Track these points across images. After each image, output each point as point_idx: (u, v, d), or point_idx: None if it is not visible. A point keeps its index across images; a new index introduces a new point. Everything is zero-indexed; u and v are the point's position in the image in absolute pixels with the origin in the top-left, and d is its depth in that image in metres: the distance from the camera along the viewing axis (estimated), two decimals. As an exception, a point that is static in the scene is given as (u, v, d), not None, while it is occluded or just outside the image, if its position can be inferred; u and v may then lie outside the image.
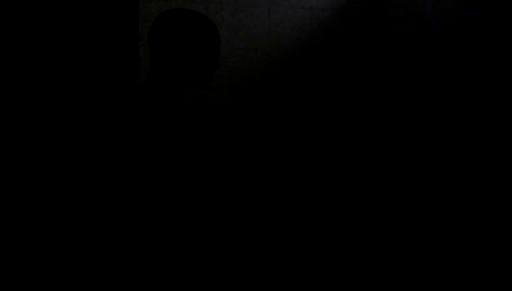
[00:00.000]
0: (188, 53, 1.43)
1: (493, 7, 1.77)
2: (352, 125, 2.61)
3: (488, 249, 1.77)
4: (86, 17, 2.31)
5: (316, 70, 2.56)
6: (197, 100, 2.45)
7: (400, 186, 2.38)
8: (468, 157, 1.90)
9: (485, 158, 1.81)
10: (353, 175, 2.62)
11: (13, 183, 2.28)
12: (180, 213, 1.41)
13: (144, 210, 1.35)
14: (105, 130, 1.39)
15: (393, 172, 2.46)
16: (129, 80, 2.40)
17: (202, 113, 2.46)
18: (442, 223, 2.04)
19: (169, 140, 1.39)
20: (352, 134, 2.61)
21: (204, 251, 2.45)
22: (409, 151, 2.31)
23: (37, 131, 2.30)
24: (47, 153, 2.31)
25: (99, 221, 1.38)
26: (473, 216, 1.86)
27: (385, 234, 2.52)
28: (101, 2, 2.31)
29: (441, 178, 2.06)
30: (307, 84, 2.56)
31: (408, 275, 2.27)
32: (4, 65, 2.26)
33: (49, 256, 2.31)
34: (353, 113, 2.61)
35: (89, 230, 2.34)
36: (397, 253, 2.38)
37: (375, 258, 2.58)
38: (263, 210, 2.53)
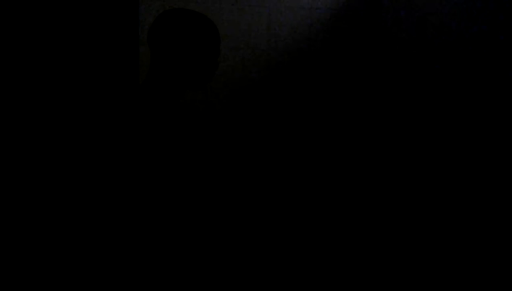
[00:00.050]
0: (188, 53, 1.43)
1: (493, 7, 1.77)
2: (351, 125, 2.61)
3: (488, 249, 1.77)
4: (86, 17, 2.31)
5: (316, 70, 2.56)
6: (197, 100, 2.45)
7: (400, 186, 2.38)
8: (468, 157, 1.90)
9: (485, 158, 1.80)
10: (353, 175, 2.62)
11: (13, 183, 2.28)
12: (180, 213, 1.41)
13: (144, 209, 1.35)
14: (105, 130, 1.39)
15: (393, 172, 2.45)
16: (129, 80, 2.40)
17: (201, 113, 2.46)
18: (442, 223, 2.04)
19: (169, 140, 1.39)
20: (351, 134, 2.61)
21: (203, 250, 2.44)
22: (409, 151, 2.31)
23: (38, 131, 2.30)
24: (47, 152, 2.31)
25: (99, 220, 1.38)
26: (473, 216, 1.85)
27: (385, 234, 2.52)
28: (102, 2, 2.31)
29: (441, 178, 2.06)
30: (307, 85, 2.56)
31: (408, 275, 2.27)
32: (5, 66, 2.26)
33: (49, 255, 2.31)
34: (352, 113, 2.61)
35: (89, 229, 2.34)
36: (397, 253, 2.38)
37: (375, 258, 2.57)
38: (263, 210, 2.52)
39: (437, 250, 2.06)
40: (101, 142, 1.38)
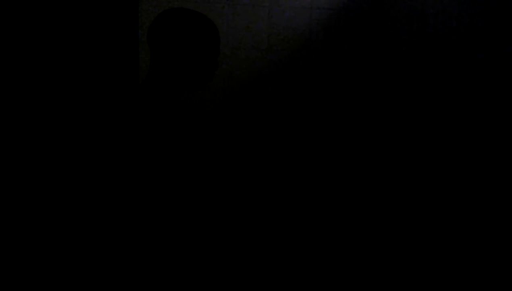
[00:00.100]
0: (188, 52, 1.43)
1: (493, 8, 1.77)
2: (352, 125, 2.61)
3: (488, 249, 1.77)
4: (86, 17, 2.31)
5: (316, 70, 2.56)
6: (196, 100, 2.45)
7: (400, 186, 2.38)
8: (468, 157, 1.90)
9: (485, 158, 1.80)
10: (353, 175, 2.62)
11: (14, 182, 2.28)
12: (181, 212, 1.41)
13: (144, 209, 1.35)
14: (105, 129, 1.39)
15: (393, 172, 2.45)
16: (129, 80, 2.40)
17: (201, 113, 2.46)
18: (442, 223, 2.04)
19: (169, 140, 1.38)
20: (352, 134, 2.61)
21: (203, 250, 2.44)
22: (409, 151, 2.31)
23: (38, 131, 2.30)
24: (47, 152, 2.31)
25: (99, 220, 1.38)
26: (473, 216, 1.85)
27: (385, 234, 2.52)
28: (102, 2, 2.31)
29: (441, 178, 2.06)
30: (307, 84, 2.56)
31: (408, 275, 2.26)
32: (5, 66, 2.26)
33: (49, 255, 2.31)
34: (353, 113, 2.61)
35: (89, 229, 2.34)
36: (397, 253, 2.38)
37: (375, 257, 2.57)
38: (264, 210, 2.52)
39: (437, 250, 2.06)
40: (101, 141, 1.38)
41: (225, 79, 2.47)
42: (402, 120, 2.39)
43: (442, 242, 2.04)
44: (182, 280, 1.42)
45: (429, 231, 2.13)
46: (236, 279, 2.47)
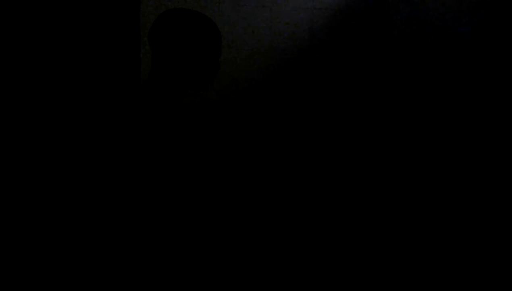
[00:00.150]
0: (189, 53, 1.43)
1: (493, 8, 1.76)
2: (352, 125, 2.60)
3: (488, 249, 1.76)
4: (88, 17, 2.31)
5: (316, 70, 2.56)
6: (198, 100, 2.45)
7: (400, 186, 2.38)
8: (468, 157, 1.89)
9: (485, 159, 1.80)
10: (354, 175, 2.61)
11: (13, 182, 2.28)
12: (181, 212, 1.41)
13: (145, 209, 1.35)
14: (106, 129, 1.38)
15: (393, 172, 2.45)
16: (131, 80, 2.40)
17: (203, 113, 2.46)
18: (442, 222, 2.03)
19: (170, 140, 1.38)
20: (352, 134, 2.61)
21: (203, 250, 2.44)
22: (410, 151, 2.30)
23: (38, 131, 2.30)
24: (48, 152, 2.31)
25: (99, 220, 1.38)
26: (473, 216, 1.85)
27: (385, 234, 2.51)
28: (103, 2, 2.31)
29: (441, 178, 2.06)
30: (308, 85, 2.56)
31: (408, 275, 2.26)
32: (6, 66, 2.26)
33: (50, 255, 2.31)
34: (353, 113, 2.61)
35: (89, 229, 2.34)
36: (397, 253, 2.38)
37: (375, 257, 2.57)
38: (264, 210, 2.52)
39: (437, 249, 2.06)
40: (102, 142, 1.38)
41: (226, 80, 2.47)
42: (402, 121, 2.38)
43: (442, 242, 2.03)
44: (182, 280, 1.42)
45: (429, 231, 2.12)
46: (236, 279, 2.47)
